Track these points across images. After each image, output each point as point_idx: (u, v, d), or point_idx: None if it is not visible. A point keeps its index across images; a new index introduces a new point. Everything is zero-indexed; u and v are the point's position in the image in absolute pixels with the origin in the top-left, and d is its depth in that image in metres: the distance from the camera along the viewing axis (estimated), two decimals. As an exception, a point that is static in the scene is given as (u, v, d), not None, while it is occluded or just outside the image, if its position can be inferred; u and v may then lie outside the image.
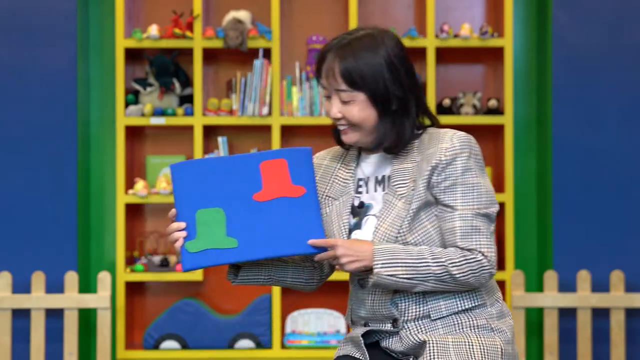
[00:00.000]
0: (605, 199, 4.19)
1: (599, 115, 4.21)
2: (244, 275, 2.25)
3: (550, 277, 4.09)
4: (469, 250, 2.11)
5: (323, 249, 2.13)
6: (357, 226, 2.19)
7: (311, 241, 2.11)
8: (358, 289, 2.24)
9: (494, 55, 4.42)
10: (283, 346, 4.30)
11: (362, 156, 2.27)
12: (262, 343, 4.27)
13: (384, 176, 2.21)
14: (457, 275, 2.10)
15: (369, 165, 2.24)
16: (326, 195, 2.26)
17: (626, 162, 4.20)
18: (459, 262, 2.10)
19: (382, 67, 2.13)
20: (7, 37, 4.22)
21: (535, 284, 4.37)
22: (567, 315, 4.16)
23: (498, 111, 4.32)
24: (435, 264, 2.09)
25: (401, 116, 2.16)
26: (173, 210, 2.17)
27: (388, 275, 2.08)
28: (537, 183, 4.41)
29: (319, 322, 4.32)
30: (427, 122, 2.23)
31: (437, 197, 2.14)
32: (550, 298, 4.08)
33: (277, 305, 4.26)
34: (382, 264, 2.08)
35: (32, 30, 4.22)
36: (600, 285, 4.15)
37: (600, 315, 4.14)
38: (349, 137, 2.19)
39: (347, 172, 2.26)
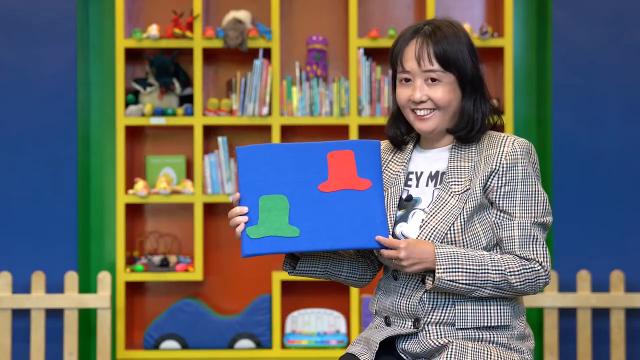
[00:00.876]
0: (605, 198, 4.19)
1: (599, 115, 4.21)
2: (302, 266, 2.26)
3: (550, 277, 4.09)
4: (527, 259, 2.15)
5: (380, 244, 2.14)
6: (404, 219, 2.20)
7: (378, 237, 2.11)
8: (391, 279, 2.25)
9: (494, 55, 4.42)
10: (283, 346, 4.30)
11: (417, 150, 2.29)
12: (262, 343, 4.27)
13: (437, 172, 2.23)
14: (515, 284, 2.13)
15: (424, 159, 2.26)
16: None
17: (626, 162, 4.20)
18: (518, 271, 2.13)
19: (468, 55, 2.21)
20: (7, 37, 4.22)
21: (535, 284, 4.36)
22: (567, 315, 4.16)
23: (498, 111, 4.31)
24: (494, 272, 2.12)
25: (480, 100, 2.23)
26: (237, 195, 2.16)
27: (448, 280, 2.10)
28: (537, 183, 4.41)
29: (319, 322, 4.32)
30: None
31: (494, 201, 2.17)
32: (550, 298, 4.08)
33: (277, 305, 4.26)
34: (444, 268, 2.10)
35: (32, 30, 4.22)
36: (600, 285, 4.15)
37: (600, 315, 4.14)
38: (429, 123, 2.21)
39: (399, 165, 2.28)
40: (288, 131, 4.42)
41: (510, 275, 2.13)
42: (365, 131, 4.36)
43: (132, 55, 4.41)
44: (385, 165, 2.30)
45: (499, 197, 2.16)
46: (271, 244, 2.12)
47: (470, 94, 2.21)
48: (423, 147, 2.28)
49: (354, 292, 4.28)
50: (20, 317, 4.14)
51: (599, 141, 4.20)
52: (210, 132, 4.45)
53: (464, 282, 2.10)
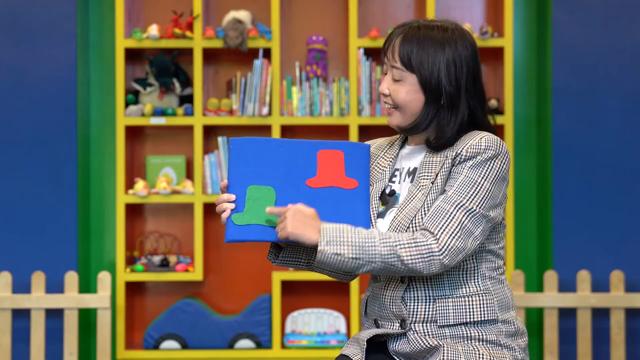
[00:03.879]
0: (605, 199, 4.19)
1: (599, 115, 4.21)
2: (285, 256, 2.28)
3: (550, 277, 4.09)
4: (424, 234, 2.07)
5: None
6: (382, 215, 2.21)
7: (268, 209, 2.12)
8: (375, 281, 2.26)
9: (494, 55, 4.42)
10: (283, 346, 4.30)
11: (404, 148, 2.30)
12: (262, 343, 4.27)
13: (415, 168, 2.23)
14: (405, 259, 2.04)
15: (406, 156, 2.27)
16: None
17: (626, 162, 4.20)
18: (408, 244, 2.05)
19: (441, 62, 2.15)
20: (7, 37, 4.22)
21: (535, 284, 4.37)
22: (567, 315, 4.16)
23: (498, 111, 4.32)
24: (383, 245, 2.05)
25: (448, 113, 2.17)
26: (224, 182, 2.20)
27: (333, 253, 2.05)
28: (537, 183, 4.41)
29: (319, 322, 4.32)
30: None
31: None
32: (550, 298, 4.08)
33: (277, 305, 4.26)
34: (327, 241, 2.06)
35: (32, 30, 4.22)
36: (600, 285, 4.15)
37: (600, 315, 4.14)
38: (392, 119, 2.23)
39: (387, 161, 2.29)
40: (288, 131, 4.42)
41: (400, 249, 2.05)
42: (365, 131, 4.36)
43: (132, 55, 4.42)
44: (375, 161, 2.31)
45: (449, 180, 2.13)
46: (255, 232, 2.15)
47: (432, 101, 2.16)
48: (408, 144, 2.30)
49: (354, 292, 4.28)
50: (20, 317, 4.14)
51: (599, 141, 4.20)
52: (210, 132, 4.45)
53: (350, 255, 2.05)
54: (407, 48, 2.16)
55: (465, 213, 2.07)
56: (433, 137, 2.19)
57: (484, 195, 2.09)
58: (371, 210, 2.22)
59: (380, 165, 2.29)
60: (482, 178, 2.11)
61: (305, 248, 2.28)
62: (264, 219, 2.15)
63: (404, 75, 2.17)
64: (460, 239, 2.06)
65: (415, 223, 2.12)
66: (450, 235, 2.06)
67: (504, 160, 2.14)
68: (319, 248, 2.06)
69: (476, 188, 2.09)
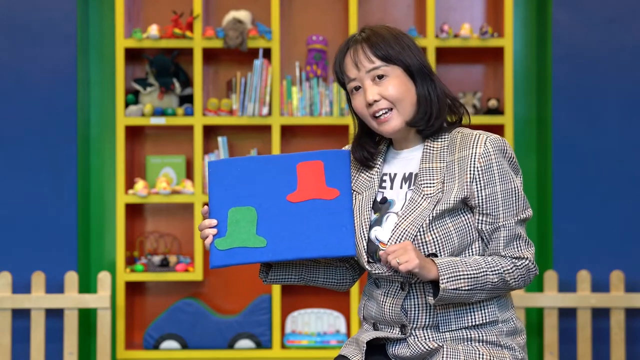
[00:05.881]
0: (605, 199, 4.18)
1: (599, 115, 4.21)
2: (275, 274, 2.27)
3: (550, 277, 4.09)
4: (516, 257, 2.16)
5: (346, 251, 2.13)
6: (378, 222, 2.18)
7: (385, 251, 2.08)
8: (373, 287, 2.25)
9: (494, 55, 4.42)
10: (283, 346, 4.30)
11: (390, 152, 2.27)
12: (262, 343, 4.27)
13: (411, 173, 2.20)
14: (511, 282, 2.15)
15: (397, 161, 2.24)
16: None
17: (626, 162, 4.20)
18: (511, 269, 2.15)
19: (407, 46, 2.17)
20: (7, 37, 4.22)
21: (535, 284, 4.37)
22: (567, 315, 4.16)
23: (498, 111, 4.32)
24: (492, 273, 2.13)
25: (431, 86, 2.19)
26: (205, 207, 2.20)
27: (453, 289, 2.08)
28: (537, 183, 4.41)
29: (319, 322, 4.32)
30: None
31: (475, 206, 2.14)
32: (550, 298, 4.08)
33: (277, 305, 4.26)
34: (447, 278, 2.07)
35: (32, 30, 4.22)
36: (600, 285, 4.15)
37: (600, 315, 4.14)
38: (392, 124, 2.17)
39: (373, 168, 2.26)
40: (288, 131, 4.42)
41: (506, 275, 2.14)
42: (365, 131, 4.35)
43: (132, 55, 4.42)
44: (360, 170, 2.27)
45: (481, 201, 2.13)
46: (238, 255, 2.14)
47: (422, 82, 2.18)
48: (396, 148, 2.27)
49: (354, 292, 4.28)
50: (20, 317, 4.15)
51: (599, 141, 4.20)
52: (210, 132, 4.45)
53: (466, 288, 2.09)
54: (379, 46, 2.15)
55: (521, 224, 2.19)
56: (422, 120, 2.17)
57: (521, 197, 2.18)
58: (364, 221, 2.18)
59: (367, 172, 2.26)
60: (512, 182, 2.16)
61: (296, 264, 2.27)
62: (245, 241, 2.14)
63: (387, 70, 2.15)
64: (532, 244, 2.20)
65: (422, 230, 2.11)
66: (530, 249, 2.19)
67: (511, 153, 2.18)
68: (441, 286, 2.07)
69: (516, 195, 2.17)
